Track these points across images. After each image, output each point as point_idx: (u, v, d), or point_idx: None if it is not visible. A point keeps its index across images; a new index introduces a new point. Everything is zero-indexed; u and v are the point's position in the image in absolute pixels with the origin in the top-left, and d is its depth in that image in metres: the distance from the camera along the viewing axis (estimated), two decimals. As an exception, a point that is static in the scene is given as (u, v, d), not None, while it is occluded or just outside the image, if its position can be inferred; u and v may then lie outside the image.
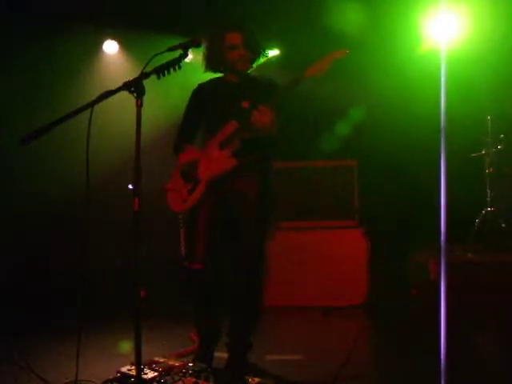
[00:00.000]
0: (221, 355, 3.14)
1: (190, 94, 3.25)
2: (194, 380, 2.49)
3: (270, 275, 4.63)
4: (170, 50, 2.29)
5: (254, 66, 3.14)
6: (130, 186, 2.16)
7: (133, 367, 2.61)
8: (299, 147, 5.24)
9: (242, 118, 2.88)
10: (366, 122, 5.32)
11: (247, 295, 2.99)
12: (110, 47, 5.93)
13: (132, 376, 2.58)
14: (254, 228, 2.93)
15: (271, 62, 5.91)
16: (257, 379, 2.49)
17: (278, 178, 4.94)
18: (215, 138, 2.96)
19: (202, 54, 3.13)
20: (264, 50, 3.13)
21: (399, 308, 4.32)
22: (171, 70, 2.31)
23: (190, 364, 2.70)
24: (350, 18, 4.90)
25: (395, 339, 3.63)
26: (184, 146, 3.13)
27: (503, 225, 4.75)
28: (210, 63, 3.10)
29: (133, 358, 2.16)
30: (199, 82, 3.21)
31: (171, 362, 2.72)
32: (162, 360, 2.76)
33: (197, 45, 2.38)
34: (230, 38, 3.00)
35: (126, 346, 3.37)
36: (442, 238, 2.16)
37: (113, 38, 5.89)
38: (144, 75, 2.20)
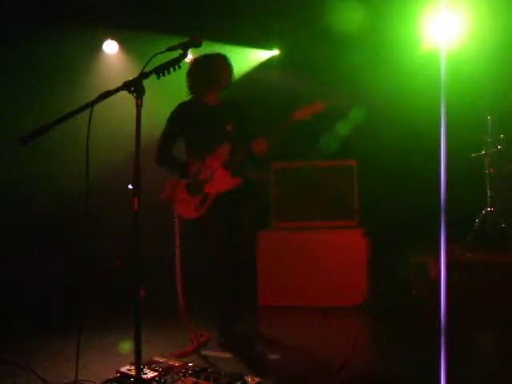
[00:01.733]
0: (219, 355, 3.14)
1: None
2: (193, 380, 2.49)
3: (270, 275, 4.66)
4: (170, 49, 2.29)
5: None
6: (130, 186, 2.16)
7: (133, 367, 2.61)
8: (299, 147, 5.24)
9: (231, 141, 3.47)
10: (366, 122, 5.31)
11: (222, 273, 3.54)
12: (110, 47, 5.93)
13: (132, 376, 2.58)
14: (237, 226, 3.62)
15: (271, 61, 5.94)
16: (257, 379, 2.49)
17: (279, 178, 4.94)
18: (216, 157, 3.47)
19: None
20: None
21: (399, 308, 4.32)
22: (171, 69, 2.30)
23: (190, 364, 2.70)
24: (350, 18, 4.90)
25: (395, 339, 3.62)
26: (167, 159, 3.62)
27: (503, 225, 4.75)
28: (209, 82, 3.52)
29: (133, 358, 2.16)
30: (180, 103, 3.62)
31: (171, 362, 2.73)
32: (161, 360, 2.77)
33: (197, 44, 2.38)
34: (224, 68, 3.55)
35: (126, 346, 3.37)
36: (442, 238, 2.16)
37: (113, 38, 5.89)
38: (144, 75, 2.19)
